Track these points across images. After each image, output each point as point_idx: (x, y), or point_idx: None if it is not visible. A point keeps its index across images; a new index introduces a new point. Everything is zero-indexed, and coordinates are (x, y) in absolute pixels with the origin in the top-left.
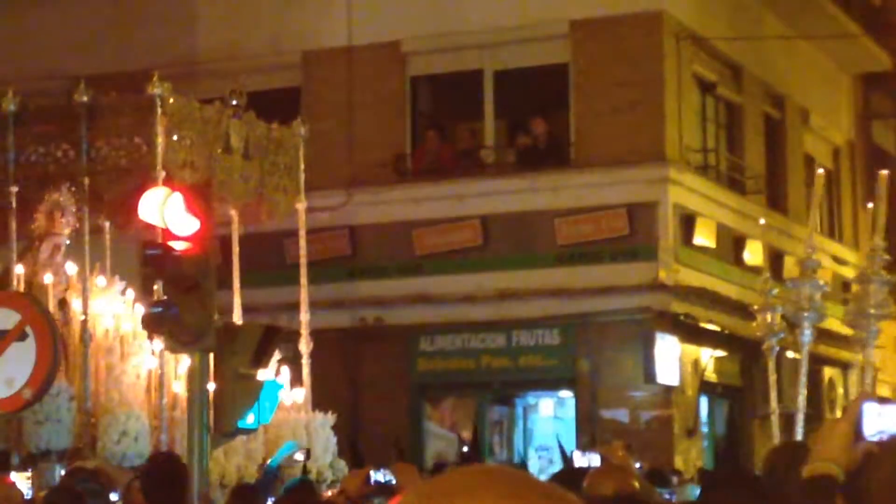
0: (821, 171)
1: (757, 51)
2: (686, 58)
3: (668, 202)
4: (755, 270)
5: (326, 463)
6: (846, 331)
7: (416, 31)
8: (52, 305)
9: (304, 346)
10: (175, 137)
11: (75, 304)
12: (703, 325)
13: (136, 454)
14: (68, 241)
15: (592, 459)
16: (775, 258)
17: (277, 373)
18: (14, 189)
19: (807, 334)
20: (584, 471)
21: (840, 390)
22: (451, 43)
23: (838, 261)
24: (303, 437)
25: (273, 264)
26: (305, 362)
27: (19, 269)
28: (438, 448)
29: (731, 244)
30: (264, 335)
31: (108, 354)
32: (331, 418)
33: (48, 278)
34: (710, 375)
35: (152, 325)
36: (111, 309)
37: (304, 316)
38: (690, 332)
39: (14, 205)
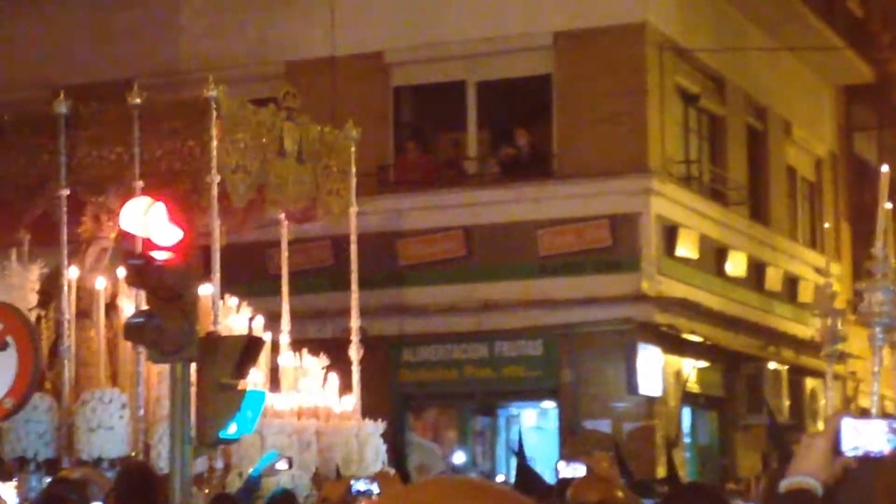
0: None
1: (740, 62)
2: (669, 69)
3: (650, 213)
4: (737, 281)
5: (376, 470)
6: None
7: (400, 41)
8: (101, 310)
9: (354, 353)
10: (229, 141)
11: (128, 308)
12: (685, 335)
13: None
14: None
15: (577, 469)
16: (757, 269)
17: (325, 380)
18: (65, 192)
19: (879, 339)
20: (568, 481)
21: (822, 401)
22: (434, 54)
23: (820, 272)
24: (354, 446)
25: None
26: (355, 369)
27: (72, 274)
28: (421, 458)
29: (714, 255)
30: (247, 346)
31: None
32: (380, 426)
33: (100, 283)
34: (693, 386)
35: (134, 335)
36: None
37: (354, 322)
38: (673, 343)
39: (65, 208)
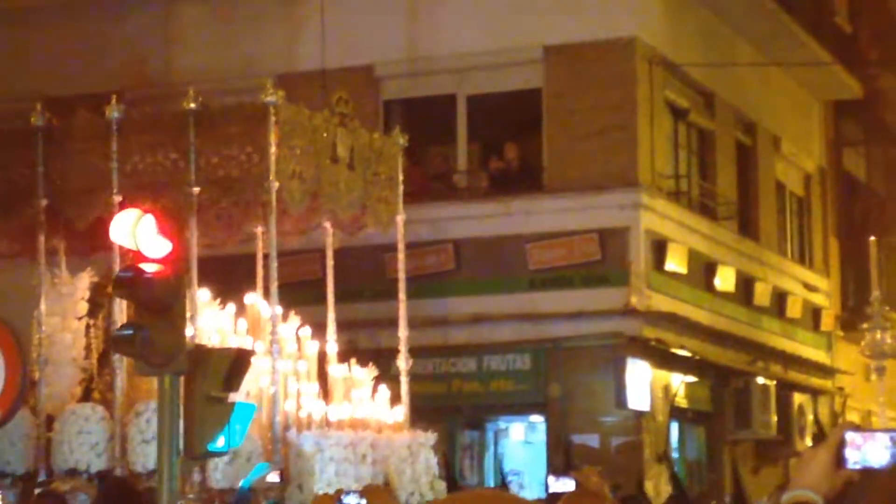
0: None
1: (729, 78)
2: (658, 84)
3: (639, 228)
4: (726, 296)
5: (427, 482)
6: (816, 357)
7: (390, 55)
8: None
9: (403, 364)
10: (287, 147)
11: None
12: (674, 350)
13: (247, 475)
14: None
15: (567, 484)
16: (746, 284)
17: (374, 391)
18: (118, 198)
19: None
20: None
21: (810, 416)
22: (424, 67)
23: (809, 287)
24: (406, 458)
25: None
26: (404, 380)
27: None
28: None
29: (703, 270)
30: (236, 358)
31: None
32: (431, 437)
33: None
34: (681, 401)
35: (122, 347)
36: (216, 323)
37: (403, 332)
38: (661, 358)
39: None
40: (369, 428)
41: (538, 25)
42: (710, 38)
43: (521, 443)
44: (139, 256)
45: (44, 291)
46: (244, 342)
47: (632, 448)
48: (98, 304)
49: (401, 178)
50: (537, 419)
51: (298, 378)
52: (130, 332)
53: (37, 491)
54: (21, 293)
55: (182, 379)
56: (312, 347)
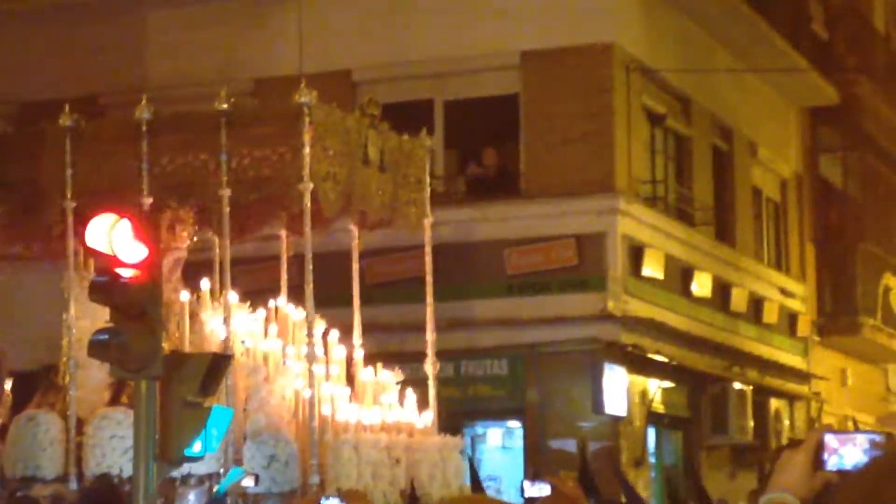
0: None
1: (706, 84)
2: (636, 90)
3: (616, 233)
4: (703, 302)
5: (457, 487)
6: (792, 362)
7: (368, 60)
8: (186, 322)
9: (430, 368)
10: (321, 148)
11: (212, 322)
12: (651, 356)
13: (285, 480)
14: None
15: (542, 489)
16: (723, 290)
17: (402, 395)
18: (148, 200)
19: None
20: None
21: (786, 421)
22: (402, 72)
23: (785, 293)
24: (437, 461)
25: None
26: (432, 384)
27: None
28: None
29: (680, 275)
30: (212, 363)
31: (251, 375)
32: (460, 442)
33: (184, 296)
34: (658, 406)
35: (99, 352)
36: (248, 327)
37: (430, 335)
38: (638, 363)
39: (147, 216)
40: (401, 432)
41: (515, 31)
42: (687, 44)
43: (498, 448)
44: (115, 261)
45: (73, 294)
46: (276, 346)
47: (608, 454)
48: None
49: (428, 180)
50: (515, 424)
51: (329, 382)
52: (106, 337)
53: (18, 495)
54: (47, 296)
55: (158, 384)
56: (340, 351)
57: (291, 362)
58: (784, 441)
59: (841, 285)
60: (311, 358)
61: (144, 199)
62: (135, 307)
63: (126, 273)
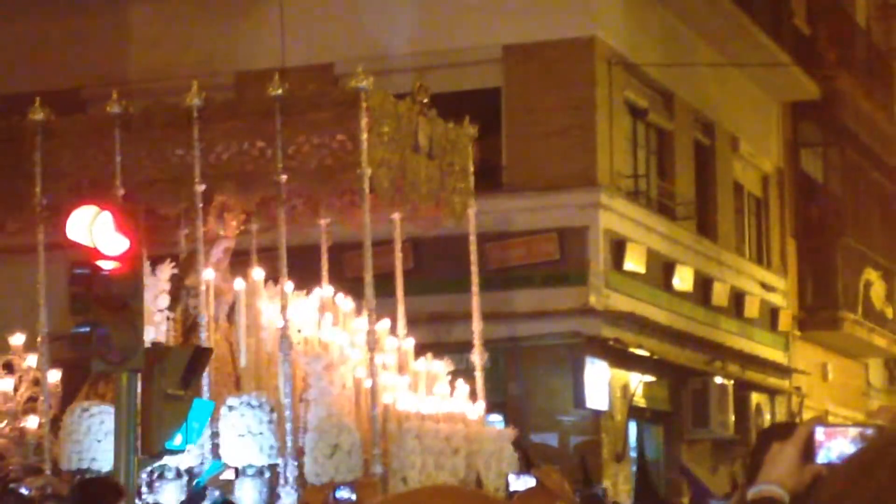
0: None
1: (688, 78)
2: (618, 84)
3: (598, 227)
4: (684, 296)
5: (511, 476)
6: (773, 357)
7: (350, 53)
8: (242, 312)
9: (478, 358)
10: (376, 134)
11: (268, 311)
12: (632, 350)
13: (348, 469)
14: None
15: (527, 482)
16: (704, 284)
17: (452, 387)
18: (201, 188)
19: None
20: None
21: (767, 416)
22: (384, 66)
23: (766, 288)
24: (493, 451)
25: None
26: (479, 375)
27: (209, 275)
28: None
29: (661, 270)
30: (193, 356)
31: (310, 364)
32: (511, 432)
33: (239, 284)
34: (640, 400)
35: (79, 344)
36: (305, 316)
37: (477, 325)
38: (620, 357)
39: (200, 204)
40: (456, 422)
41: (497, 25)
42: (669, 39)
43: None
44: (96, 253)
45: None
46: (335, 335)
47: (590, 447)
48: (175, 296)
49: (471, 169)
50: (496, 418)
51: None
52: (87, 329)
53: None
54: None
55: (139, 376)
56: (392, 341)
57: (349, 351)
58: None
59: (822, 280)
60: (371, 347)
61: (197, 187)
62: (116, 300)
63: (107, 265)
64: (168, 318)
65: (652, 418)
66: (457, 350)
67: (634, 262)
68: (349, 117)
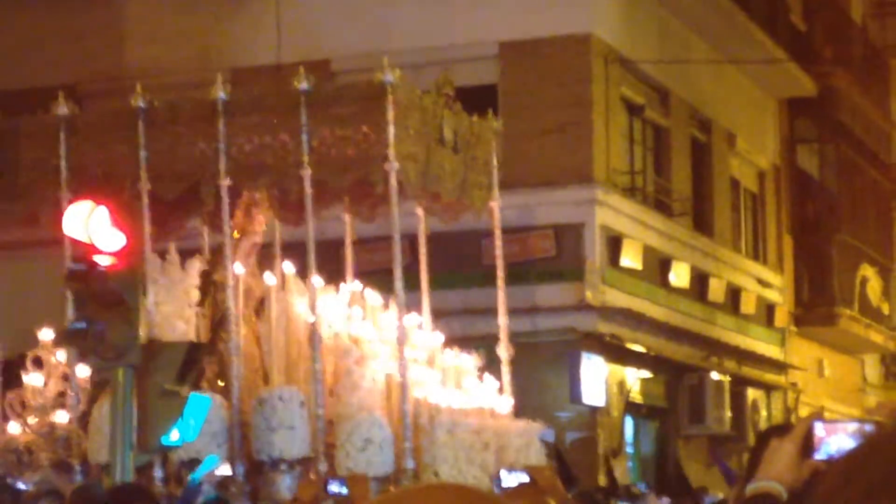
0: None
1: (684, 75)
2: (614, 80)
3: (594, 224)
4: (681, 292)
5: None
6: (770, 353)
7: (346, 49)
8: (273, 306)
9: (504, 352)
10: (402, 127)
11: (298, 305)
12: (628, 346)
13: (380, 463)
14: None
15: (519, 478)
16: (700, 280)
17: (481, 380)
18: (226, 182)
19: None
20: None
21: (763, 412)
22: (380, 62)
23: (763, 284)
24: (521, 446)
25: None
26: (505, 369)
27: (238, 269)
28: None
29: (657, 266)
30: (189, 351)
31: (342, 358)
32: (541, 427)
33: (270, 278)
34: (636, 396)
35: (75, 340)
36: (336, 310)
37: (503, 319)
38: (616, 353)
39: (226, 199)
40: (485, 416)
41: (494, 21)
42: (665, 35)
43: None
44: (93, 249)
45: (152, 279)
46: (365, 329)
47: (586, 443)
48: (204, 291)
49: (494, 163)
50: None
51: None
52: (83, 325)
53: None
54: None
55: (135, 372)
56: (420, 335)
57: (378, 345)
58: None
59: (818, 276)
60: (402, 340)
61: (223, 182)
62: (112, 296)
63: (103, 261)
64: (197, 314)
65: (648, 414)
66: (457, 345)
67: (631, 259)
68: (375, 110)
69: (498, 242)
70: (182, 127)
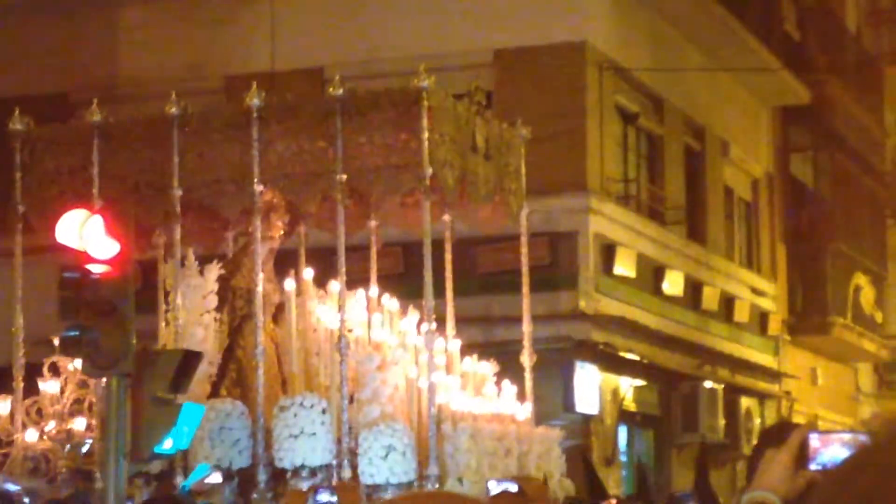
0: None
1: (678, 83)
2: (608, 88)
3: (588, 232)
4: (674, 300)
5: (558, 479)
6: (763, 361)
7: (340, 57)
8: (293, 312)
9: (527, 359)
10: (438, 133)
11: (319, 311)
12: (622, 354)
13: (403, 471)
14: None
15: (509, 488)
16: (694, 288)
17: (499, 387)
18: (259, 188)
19: None
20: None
21: (757, 420)
22: (374, 70)
23: (756, 292)
24: (542, 453)
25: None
26: (528, 376)
27: (260, 276)
28: None
29: (651, 274)
30: (183, 360)
31: (362, 364)
32: (560, 434)
33: (290, 284)
34: (629, 404)
35: (69, 348)
36: (355, 316)
37: (527, 327)
38: (610, 362)
39: (258, 205)
40: (506, 422)
41: (488, 29)
42: (659, 44)
43: None
44: (86, 257)
45: (175, 285)
46: (387, 335)
47: (579, 452)
48: (222, 297)
49: (523, 170)
50: None
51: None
52: (77, 333)
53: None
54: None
55: (129, 380)
56: (440, 342)
57: (400, 351)
58: (754, 439)
59: (811, 284)
60: (428, 345)
61: (256, 188)
62: (105, 304)
63: (97, 269)
64: (215, 319)
65: (642, 422)
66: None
67: (625, 267)
68: (411, 117)
69: (524, 250)
70: (216, 134)
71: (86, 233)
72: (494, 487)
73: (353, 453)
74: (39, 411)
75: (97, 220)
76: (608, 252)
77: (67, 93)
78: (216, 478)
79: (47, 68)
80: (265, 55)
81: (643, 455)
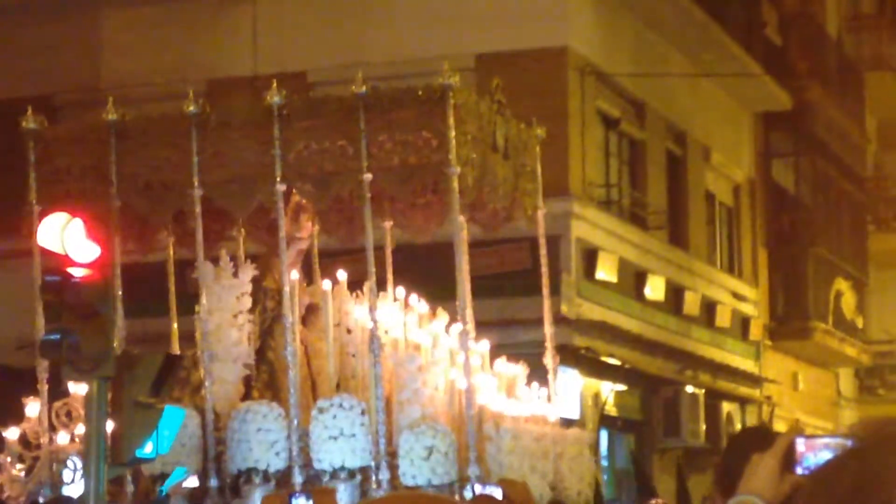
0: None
1: (660, 88)
2: (590, 93)
3: (570, 236)
4: (656, 305)
5: (588, 482)
6: (744, 366)
7: (323, 61)
8: (329, 314)
9: (550, 362)
10: (461, 132)
11: (357, 312)
12: (604, 359)
13: (445, 472)
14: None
15: (494, 492)
16: (676, 293)
17: (528, 387)
18: (282, 187)
19: None
20: None
21: (738, 425)
22: (355, 74)
23: (738, 297)
24: (575, 455)
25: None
26: (551, 379)
27: (295, 276)
28: None
29: (633, 279)
30: (164, 363)
31: (401, 365)
32: (591, 436)
33: (327, 284)
34: (611, 409)
35: (49, 352)
36: (394, 317)
37: (549, 329)
38: (591, 366)
39: (281, 205)
40: (543, 424)
41: (470, 34)
42: (641, 49)
43: None
44: (67, 260)
45: (205, 285)
46: (425, 336)
47: None
48: (255, 298)
49: (539, 170)
50: None
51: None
52: (58, 337)
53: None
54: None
55: (110, 384)
56: (473, 344)
57: (438, 352)
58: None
59: (793, 290)
60: (463, 346)
61: (279, 187)
62: (86, 307)
63: (78, 273)
64: (249, 321)
65: (623, 427)
66: None
67: (606, 272)
68: (435, 115)
69: (543, 251)
70: (235, 132)
71: (66, 236)
72: (479, 491)
73: (392, 454)
74: (69, 413)
75: (78, 224)
76: (590, 257)
77: (50, 95)
78: (193, 482)
79: (30, 71)
80: (248, 59)
81: (624, 459)
